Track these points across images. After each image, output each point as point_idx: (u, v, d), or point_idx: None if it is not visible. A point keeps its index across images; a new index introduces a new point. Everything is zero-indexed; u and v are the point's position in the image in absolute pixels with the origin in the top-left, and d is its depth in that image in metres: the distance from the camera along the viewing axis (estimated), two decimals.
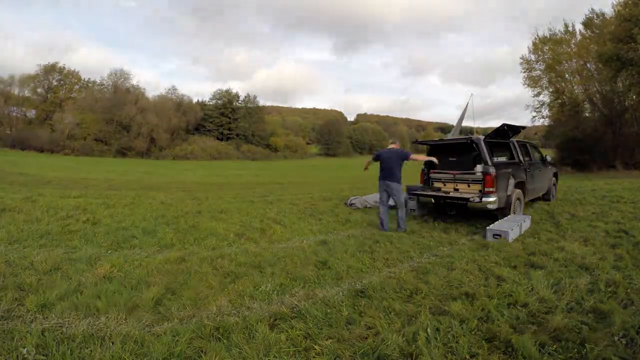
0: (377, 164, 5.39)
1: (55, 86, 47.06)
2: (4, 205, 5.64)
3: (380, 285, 2.87)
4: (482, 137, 5.42)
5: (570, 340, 2.04)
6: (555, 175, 8.15)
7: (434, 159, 5.42)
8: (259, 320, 2.25)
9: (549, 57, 22.07)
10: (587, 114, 22.12)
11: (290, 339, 2.06)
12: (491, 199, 5.07)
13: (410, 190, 6.19)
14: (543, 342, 2.02)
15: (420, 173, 6.51)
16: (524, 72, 23.17)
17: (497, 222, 4.96)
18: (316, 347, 1.99)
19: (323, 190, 10.93)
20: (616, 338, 2.06)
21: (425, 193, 5.94)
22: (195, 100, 58.76)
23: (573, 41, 21.83)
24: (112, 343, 1.95)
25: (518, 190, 5.75)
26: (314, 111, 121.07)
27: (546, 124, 24.32)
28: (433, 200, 6.08)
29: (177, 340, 1.99)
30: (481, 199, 5.09)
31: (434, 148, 6.48)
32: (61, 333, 2.04)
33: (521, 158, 6.18)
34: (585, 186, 10.28)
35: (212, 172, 25.09)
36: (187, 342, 2.00)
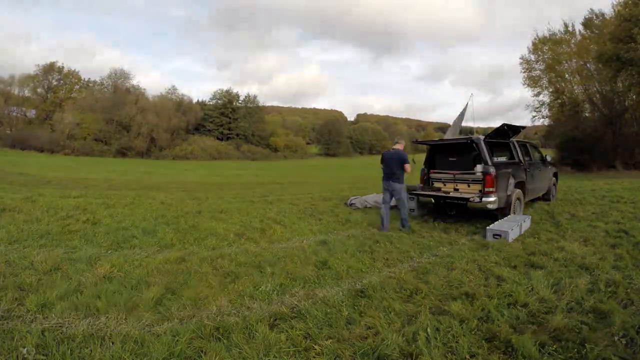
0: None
1: (55, 86, 47.07)
2: (4, 205, 5.64)
3: (380, 285, 2.87)
4: (482, 137, 5.43)
5: (570, 340, 2.04)
6: (555, 175, 8.15)
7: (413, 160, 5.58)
8: (259, 320, 2.25)
9: (549, 57, 22.06)
10: (587, 114, 22.11)
11: (290, 339, 2.06)
12: (491, 199, 5.07)
13: (410, 190, 6.19)
14: (543, 342, 2.02)
15: (420, 173, 6.51)
16: (524, 72, 23.20)
17: (497, 222, 4.96)
18: (316, 347, 1.99)
19: (323, 190, 10.92)
20: (616, 338, 2.06)
21: (425, 193, 5.94)
22: (195, 100, 58.83)
23: (573, 41, 21.83)
24: (112, 343, 1.95)
25: (518, 190, 5.76)
26: (314, 111, 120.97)
27: (546, 124, 24.31)
28: (433, 200, 6.08)
29: (177, 340, 1.99)
30: (481, 199, 5.09)
31: (434, 148, 6.47)
32: (61, 333, 2.04)
33: (521, 158, 6.18)
34: (585, 186, 10.28)
35: (212, 172, 25.08)
36: (187, 342, 2.00)
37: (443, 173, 6.08)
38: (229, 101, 58.96)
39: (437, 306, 2.52)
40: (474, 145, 5.40)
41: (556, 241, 4.32)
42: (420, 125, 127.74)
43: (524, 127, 6.45)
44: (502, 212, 5.36)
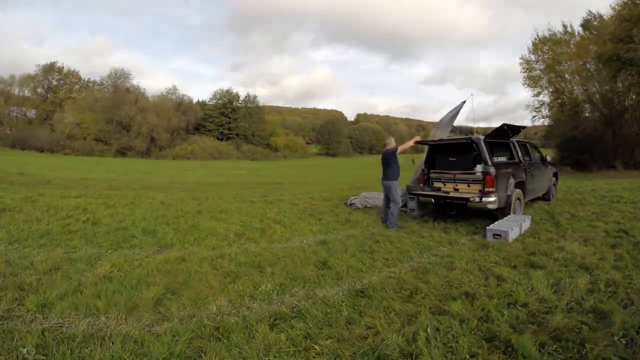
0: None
1: (55, 86, 47.14)
2: (4, 205, 5.64)
3: (380, 285, 2.87)
4: (482, 137, 5.43)
5: (570, 340, 2.04)
6: (555, 175, 8.15)
7: (417, 139, 6.06)
8: (259, 320, 2.25)
9: (549, 57, 22.06)
10: (587, 114, 22.10)
11: (290, 339, 2.06)
12: (491, 199, 5.08)
13: (410, 190, 6.19)
14: (543, 342, 2.02)
15: (420, 173, 6.51)
16: (524, 72, 23.20)
17: (497, 222, 4.96)
18: (316, 347, 1.99)
19: (323, 190, 10.92)
20: (616, 338, 2.06)
21: (425, 193, 5.95)
22: (195, 100, 58.88)
23: (572, 41, 21.82)
24: (112, 343, 1.95)
25: (518, 190, 5.76)
26: (314, 111, 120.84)
27: (546, 124, 24.31)
28: (433, 200, 6.09)
29: (177, 340, 1.99)
30: (481, 199, 5.09)
31: (434, 148, 6.47)
32: (61, 333, 2.04)
33: (521, 158, 6.18)
34: (585, 186, 10.28)
35: (212, 172, 25.06)
36: (187, 342, 2.00)
37: (443, 173, 6.08)
38: (229, 101, 59.02)
39: (437, 306, 2.52)
40: (474, 145, 5.41)
41: (556, 241, 4.32)
42: (421, 125, 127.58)
43: (524, 127, 6.44)
44: (502, 212, 5.36)
